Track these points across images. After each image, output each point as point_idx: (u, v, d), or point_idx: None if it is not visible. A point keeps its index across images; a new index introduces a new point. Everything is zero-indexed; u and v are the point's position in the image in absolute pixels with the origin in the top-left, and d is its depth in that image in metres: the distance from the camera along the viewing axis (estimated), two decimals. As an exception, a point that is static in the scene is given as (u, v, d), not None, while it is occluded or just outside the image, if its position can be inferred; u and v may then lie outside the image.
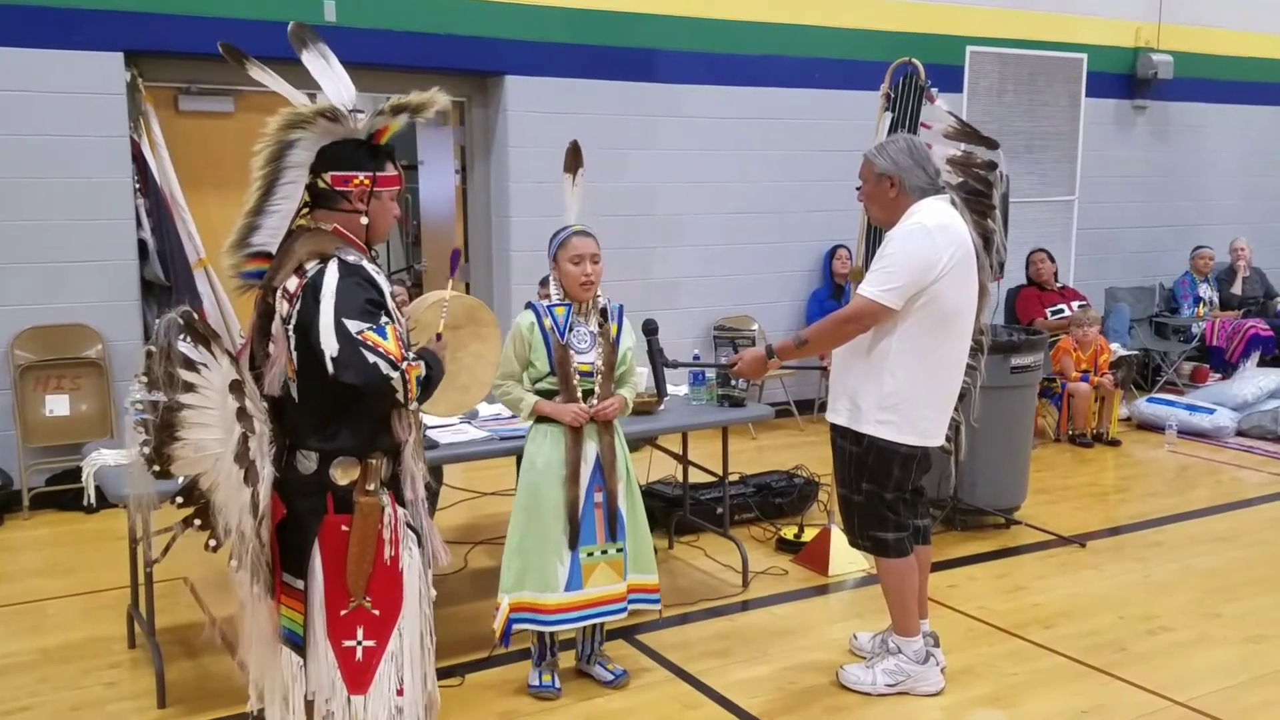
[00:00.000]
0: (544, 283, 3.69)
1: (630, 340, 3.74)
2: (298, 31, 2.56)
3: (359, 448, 2.54)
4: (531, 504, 3.61)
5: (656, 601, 3.83)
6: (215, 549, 2.46)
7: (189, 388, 2.33)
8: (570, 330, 3.60)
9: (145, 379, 2.33)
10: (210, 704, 3.60)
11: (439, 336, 2.75)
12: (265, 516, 2.49)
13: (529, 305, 3.66)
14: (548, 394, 3.61)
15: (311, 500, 2.55)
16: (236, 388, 2.40)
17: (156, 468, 2.37)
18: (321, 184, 2.56)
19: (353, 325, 2.40)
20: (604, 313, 3.69)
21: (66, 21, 5.73)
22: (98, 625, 4.31)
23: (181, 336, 2.32)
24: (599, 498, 3.63)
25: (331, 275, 2.45)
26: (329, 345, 2.40)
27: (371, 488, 2.55)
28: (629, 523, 3.71)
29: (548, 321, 3.59)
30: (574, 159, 3.74)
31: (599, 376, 3.62)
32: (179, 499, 2.48)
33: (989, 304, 3.96)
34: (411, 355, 2.47)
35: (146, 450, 2.35)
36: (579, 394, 3.60)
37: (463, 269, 7.20)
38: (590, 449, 3.62)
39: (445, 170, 7.79)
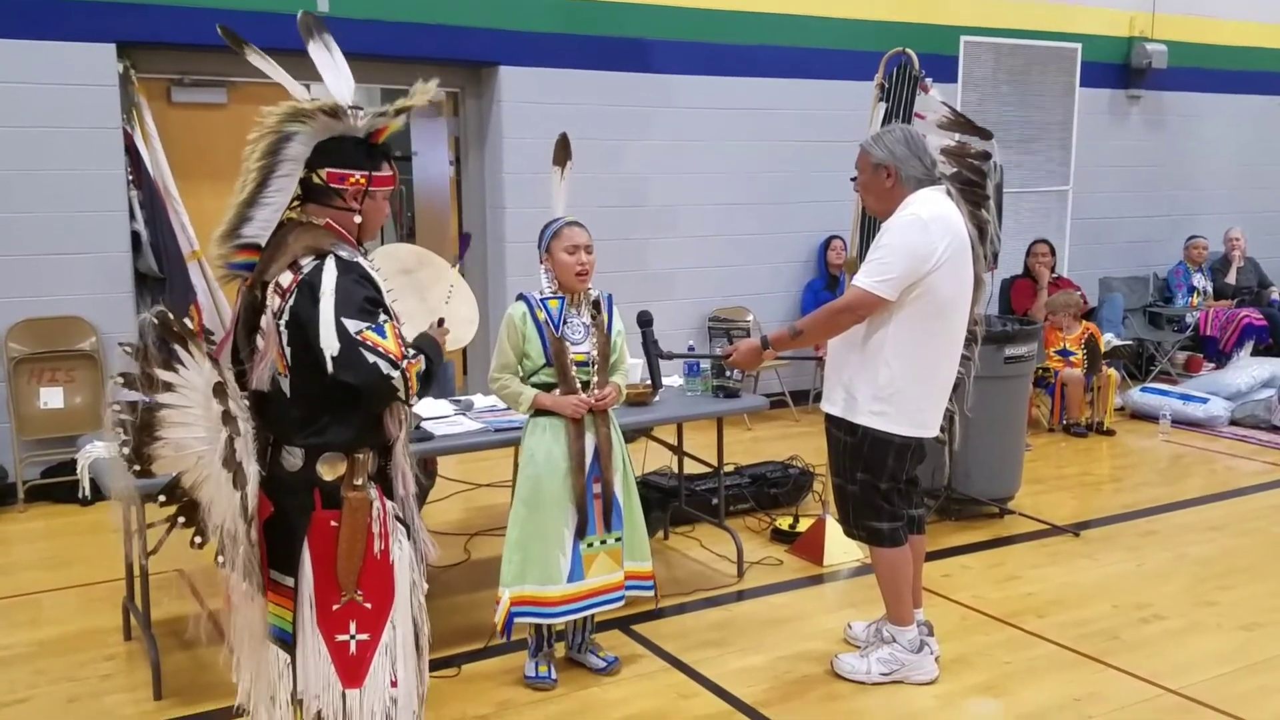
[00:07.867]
0: None
1: (620, 327, 3.75)
2: (306, 21, 2.55)
3: (346, 443, 2.52)
4: (532, 497, 3.61)
5: (651, 588, 3.85)
6: (200, 546, 2.45)
7: (168, 388, 2.32)
8: (565, 323, 3.60)
9: (122, 379, 2.32)
10: (206, 696, 3.60)
11: (441, 322, 2.73)
12: (254, 517, 2.48)
13: (520, 296, 3.66)
14: (544, 387, 3.62)
15: (299, 497, 2.53)
16: (220, 390, 2.37)
17: (137, 467, 2.36)
18: (316, 179, 2.53)
19: (352, 325, 2.37)
20: (595, 304, 3.70)
21: (58, 12, 5.71)
22: (93, 618, 4.31)
23: (159, 337, 2.30)
24: (597, 488, 3.64)
25: (330, 272, 2.43)
26: (329, 345, 2.38)
27: (359, 482, 2.53)
28: (625, 511, 3.72)
29: (541, 314, 3.59)
30: (563, 151, 3.73)
31: (594, 366, 3.63)
32: (162, 497, 2.46)
33: (984, 295, 3.97)
34: (411, 352, 2.46)
35: (126, 450, 2.34)
36: (577, 385, 3.60)
37: (455, 259, 7.17)
38: (589, 440, 3.63)
39: (439, 161, 7.77)
